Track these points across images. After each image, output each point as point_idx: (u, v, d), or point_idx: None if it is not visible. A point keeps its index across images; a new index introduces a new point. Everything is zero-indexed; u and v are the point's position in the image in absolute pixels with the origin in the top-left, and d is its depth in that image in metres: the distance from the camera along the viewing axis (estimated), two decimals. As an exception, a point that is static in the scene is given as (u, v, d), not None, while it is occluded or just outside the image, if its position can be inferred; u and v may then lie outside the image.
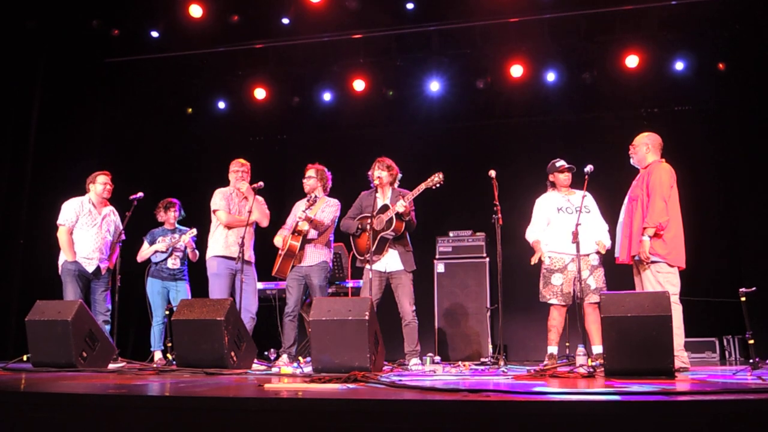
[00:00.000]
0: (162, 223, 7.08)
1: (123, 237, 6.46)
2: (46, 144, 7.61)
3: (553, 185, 5.97)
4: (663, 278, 4.94)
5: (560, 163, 5.88)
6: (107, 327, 6.06)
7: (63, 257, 6.17)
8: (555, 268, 5.69)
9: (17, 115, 7.51)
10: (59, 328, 4.90)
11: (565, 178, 5.86)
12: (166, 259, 6.88)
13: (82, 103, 8.03)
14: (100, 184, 6.30)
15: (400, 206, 5.50)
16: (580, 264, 5.37)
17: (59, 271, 6.17)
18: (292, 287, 5.96)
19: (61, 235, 6.16)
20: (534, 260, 5.77)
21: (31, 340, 5.07)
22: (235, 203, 6.17)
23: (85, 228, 6.21)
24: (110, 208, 6.41)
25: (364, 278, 5.76)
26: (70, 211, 6.20)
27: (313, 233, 5.99)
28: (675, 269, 5.00)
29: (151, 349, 6.83)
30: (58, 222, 6.17)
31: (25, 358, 5.28)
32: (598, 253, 5.69)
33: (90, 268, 6.13)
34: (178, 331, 4.89)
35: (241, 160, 6.31)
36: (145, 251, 6.93)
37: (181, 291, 6.87)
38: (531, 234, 5.89)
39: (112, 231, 6.35)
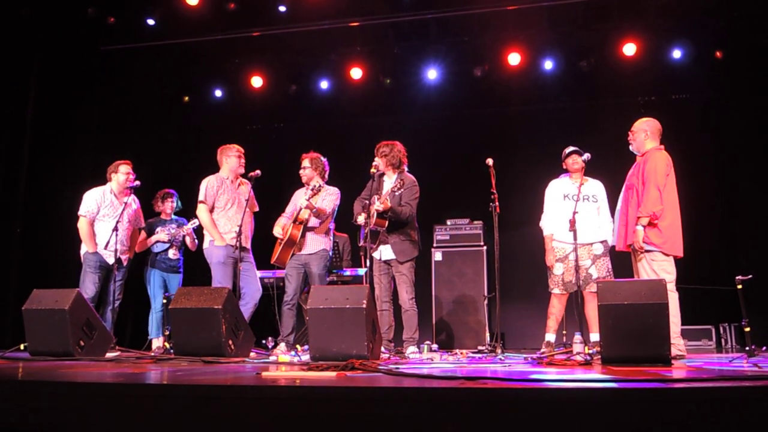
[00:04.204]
0: (158, 213, 7.08)
1: (142, 224, 6.49)
2: (42, 133, 7.58)
3: (567, 172, 5.94)
4: (657, 266, 4.94)
5: (570, 149, 5.83)
6: (114, 316, 6.09)
7: (84, 247, 6.19)
8: (557, 258, 5.69)
9: (13, 104, 7.47)
10: (56, 317, 4.90)
11: (572, 161, 5.82)
12: (167, 250, 6.88)
13: (78, 91, 8.00)
14: (122, 174, 6.32)
15: (378, 206, 5.49)
16: (578, 253, 5.36)
17: (81, 260, 6.20)
18: (292, 275, 5.96)
19: (82, 226, 6.16)
20: (549, 261, 5.73)
21: (28, 329, 5.07)
22: (229, 188, 6.11)
23: (107, 220, 6.22)
24: (131, 197, 6.41)
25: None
26: (92, 201, 6.19)
27: (314, 221, 5.99)
28: (670, 258, 4.99)
29: (149, 337, 6.84)
30: (79, 212, 6.16)
31: (22, 347, 5.29)
32: (603, 242, 5.67)
33: (111, 260, 6.15)
34: (175, 320, 4.89)
35: (237, 145, 6.27)
36: (149, 240, 6.91)
37: (176, 283, 6.89)
38: (546, 225, 5.84)
39: (133, 220, 6.36)
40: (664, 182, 4.96)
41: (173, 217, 7.07)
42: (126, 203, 6.31)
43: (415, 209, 5.74)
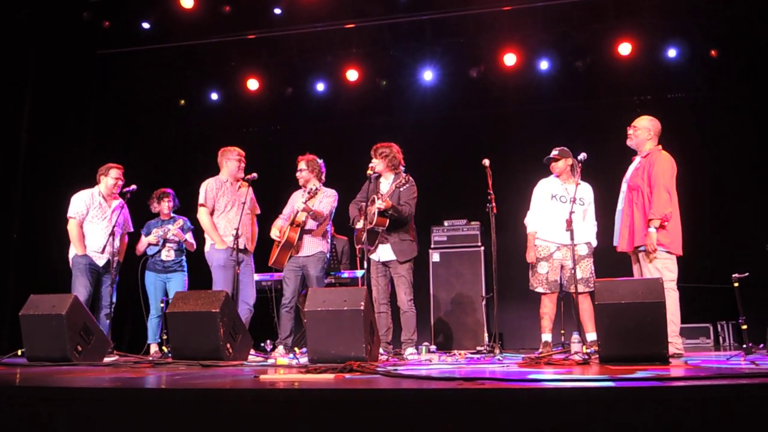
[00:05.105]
0: (158, 214, 7.03)
1: (130, 229, 6.44)
2: (38, 137, 7.56)
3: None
4: (661, 264, 4.95)
5: (548, 156, 5.86)
6: (108, 321, 6.05)
7: (73, 250, 6.14)
8: (541, 257, 5.71)
9: (9, 108, 7.46)
10: (53, 322, 4.89)
11: (552, 168, 5.86)
12: (159, 251, 6.84)
13: (74, 95, 7.99)
14: (112, 178, 6.27)
15: (379, 204, 5.49)
16: (574, 253, 5.37)
17: (70, 264, 6.15)
18: (290, 278, 5.95)
19: (71, 228, 6.11)
20: (530, 258, 5.75)
21: (25, 334, 5.05)
22: (229, 191, 6.09)
23: (96, 221, 6.17)
24: (120, 201, 6.38)
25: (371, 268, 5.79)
26: (81, 203, 6.15)
27: (311, 224, 5.98)
28: (673, 257, 5.01)
29: (148, 341, 6.80)
30: (69, 215, 6.12)
31: (19, 352, 5.27)
32: (587, 244, 5.69)
33: (101, 262, 6.12)
34: (173, 324, 4.88)
35: (239, 149, 6.26)
36: (140, 244, 6.90)
37: (177, 283, 6.80)
38: (530, 222, 5.86)
39: (122, 224, 6.32)
40: (672, 184, 5.00)
41: (174, 216, 7.00)
42: (117, 206, 6.28)
43: (414, 209, 5.75)
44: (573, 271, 5.42)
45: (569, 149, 5.84)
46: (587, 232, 5.73)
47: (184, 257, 6.96)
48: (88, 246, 6.13)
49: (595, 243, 5.75)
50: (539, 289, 5.70)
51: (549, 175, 5.95)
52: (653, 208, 4.93)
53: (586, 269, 5.62)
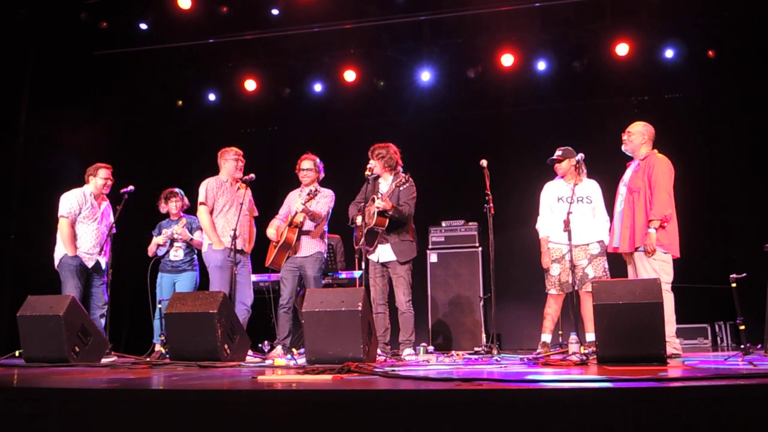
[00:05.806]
0: (167, 215, 7.00)
1: (114, 231, 6.42)
2: (36, 137, 7.55)
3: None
4: (658, 266, 4.96)
5: (551, 157, 5.86)
6: (103, 321, 6.02)
7: (61, 251, 6.06)
8: (553, 259, 5.71)
9: (6, 108, 7.45)
10: (51, 323, 4.88)
11: (555, 169, 5.86)
12: (168, 252, 6.81)
13: (72, 95, 7.97)
14: (101, 178, 6.22)
15: (379, 204, 5.50)
16: (575, 253, 5.37)
17: (56, 265, 6.08)
18: (287, 279, 5.95)
19: (63, 227, 6.03)
20: (545, 263, 5.75)
21: (23, 335, 5.05)
22: (228, 191, 6.08)
23: (87, 222, 6.12)
24: (107, 202, 6.35)
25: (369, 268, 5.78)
26: (73, 202, 6.09)
27: (309, 225, 5.98)
28: (670, 257, 5.03)
29: (153, 341, 6.76)
30: (60, 214, 6.05)
31: (17, 353, 5.26)
32: (600, 242, 5.68)
33: (90, 263, 6.08)
34: (171, 325, 4.88)
35: (236, 148, 6.24)
36: (151, 245, 6.86)
37: (186, 282, 6.75)
38: (541, 227, 5.86)
39: (109, 225, 6.30)
40: (671, 186, 5.04)
41: (183, 216, 6.93)
42: (106, 207, 6.26)
43: (413, 209, 5.75)
44: (582, 271, 5.43)
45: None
46: (598, 230, 5.71)
47: (195, 256, 6.90)
48: (79, 247, 6.08)
49: (608, 240, 5.72)
50: (552, 291, 5.71)
51: (547, 174, 5.96)
52: (654, 209, 4.96)
53: (598, 268, 5.62)
